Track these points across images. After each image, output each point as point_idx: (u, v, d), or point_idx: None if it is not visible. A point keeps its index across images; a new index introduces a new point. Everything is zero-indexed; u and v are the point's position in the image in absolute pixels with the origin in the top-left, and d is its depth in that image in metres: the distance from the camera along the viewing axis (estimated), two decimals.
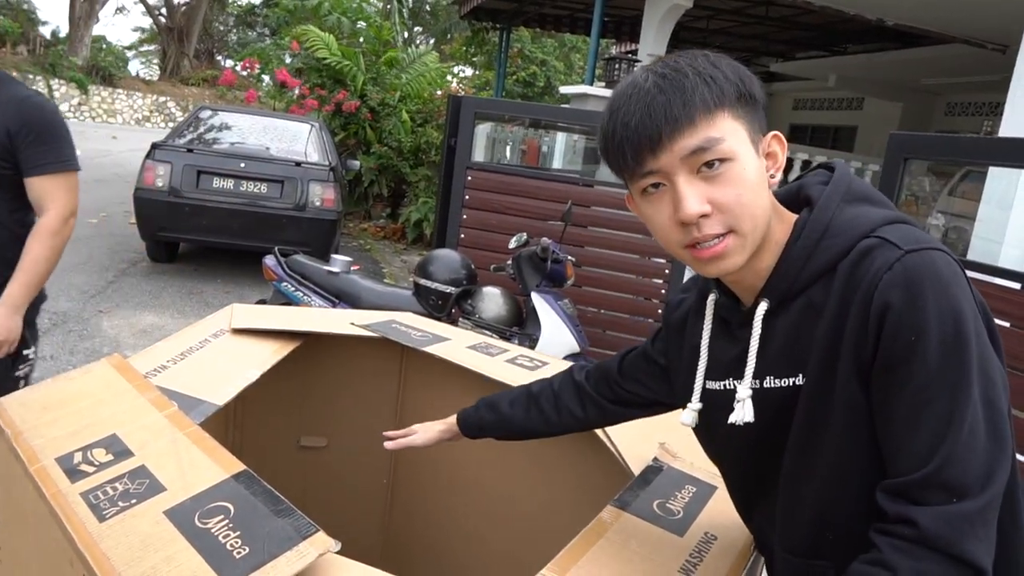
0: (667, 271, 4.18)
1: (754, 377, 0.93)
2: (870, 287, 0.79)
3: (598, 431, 1.53)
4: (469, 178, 4.35)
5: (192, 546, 0.95)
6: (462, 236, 4.33)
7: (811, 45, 9.88)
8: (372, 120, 8.88)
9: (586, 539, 1.11)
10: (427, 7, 16.47)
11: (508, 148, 7.81)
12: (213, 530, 0.98)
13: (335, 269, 3.28)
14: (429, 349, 1.97)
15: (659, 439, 1.48)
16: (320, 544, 0.95)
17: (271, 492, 1.05)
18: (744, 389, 0.92)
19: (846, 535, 0.90)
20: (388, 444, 1.46)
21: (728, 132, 0.82)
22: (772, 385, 0.92)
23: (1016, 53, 6.40)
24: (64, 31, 27.79)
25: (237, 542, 0.95)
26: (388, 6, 11.40)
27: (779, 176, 0.88)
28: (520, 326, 3.12)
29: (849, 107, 11.75)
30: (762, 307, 0.90)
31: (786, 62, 10.89)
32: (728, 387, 0.98)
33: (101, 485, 1.07)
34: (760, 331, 0.91)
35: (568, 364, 1.51)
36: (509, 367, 1.91)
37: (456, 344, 2.04)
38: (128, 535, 0.97)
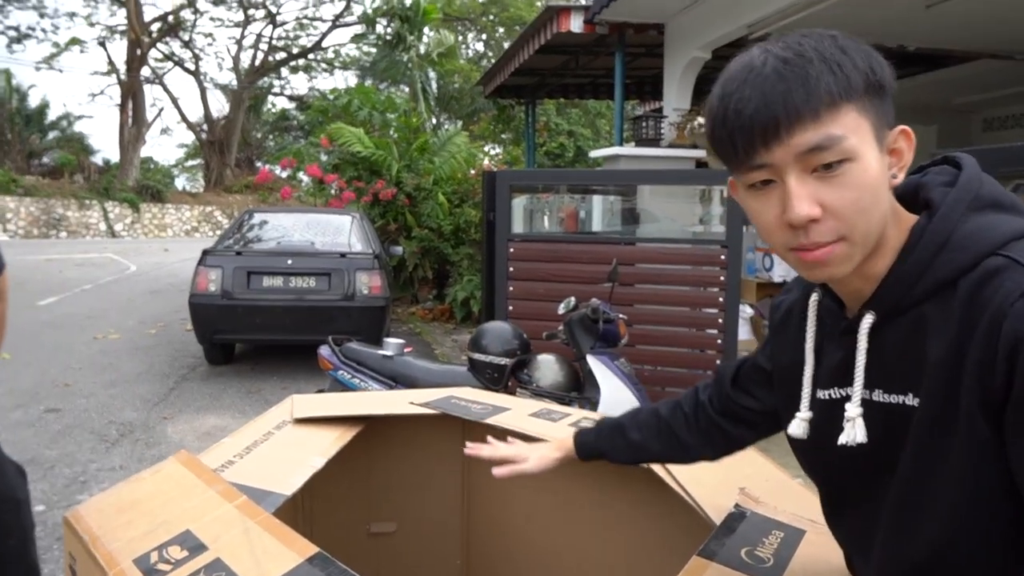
0: (720, 320, 4.12)
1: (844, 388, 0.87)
2: (998, 315, 0.70)
3: (671, 482, 1.48)
4: (511, 250, 4.39)
5: None
6: (511, 308, 4.35)
7: None
8: (410, 205, 9.10)
9: None
10: (453, 92, 17.05)
11: (546, 217, 7.91)
12: None
13: (389, 352, 3.30)
14: (490, 420, 1.95)
15: (737, 486, 1.42)
16: None
17: (347, 571, 1.03)
18: (854, 407, 0.84)
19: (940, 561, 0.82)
20: (496, 471, 1.37)
21: (852, 129, 0.73)
22: (881, 400, 0.84)
23: None
24: (115, 157, 29.39)
25: None
26: (415, 95, 11.82)
27: (902, 176, 0.79)
28: (579, 390, 3.08)
29: None
30: (867, 320, 0.83)
31: None
32: (835, 396, 0.90)
33: None
34: (866, 345, 0.83)
35: None
36: (574, 430, 1.88)
37: (517, 413, 2.02)
38: None
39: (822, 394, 0.92)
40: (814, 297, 0.92)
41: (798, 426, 0.95)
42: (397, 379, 3.16)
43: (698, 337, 4.17)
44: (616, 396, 2.91)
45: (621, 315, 3.19)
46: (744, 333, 5.26)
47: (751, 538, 1.25)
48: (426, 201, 9.03)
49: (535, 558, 2.06)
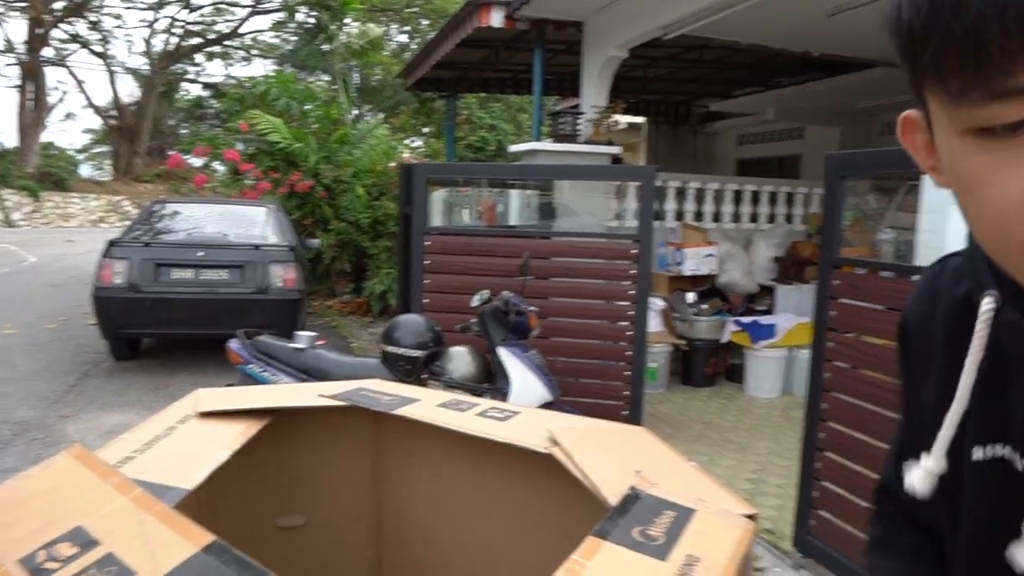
0: (631, 312, 4.22)
1: None
2: None
3: (572, 467, 1.53)
4: (427, 243, 4.40)
5: None
6: (426, 301, 4.36)
7: (747, 82, 10.23)
8: (328, 198, 8.96)
9: (570, 571, 1.10)
10: (375, 83, 16.84)
11: (465, 211, 7.93)
12: None
13: (301, 345, 3.26)
14: (399, 411, 1.96)
15: (634, 469, 1.48)
16: None
17: (244, 560, 1.03)
18: None
19: None
20: None
21: None
22: None
23: None
24: (12, 141, 27.80)
25: None
26: (335, 86, 11.61)
27: None
28: (490, 382, 3.12)
29: (791, 137, 12.13)
30: None
31: (725, 100, 11.24)
32: (1002, 456, 0.58)
33: None
34: None
35: (541, 411, 1.51)
36: (481, 420, 1.90)
37: (426, 404, 2.03)
38: None
39: (981, 453, 0.59)
40: (988, 304, 0.56)
41: (921, 479, 0.61)
42: (309, 372, 3.13)
43: (610, 329, 4.27)
44: (526, 386, 2.97)
45: (532, 307, 3.24)
46: (655, 325, 5.41)
47: (644, 518, 1.30)
48: (345, 193, 8.91)
49: (445, 546, 2.09)
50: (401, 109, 16.76)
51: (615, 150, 6.04)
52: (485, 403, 2.12)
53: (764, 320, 5.81)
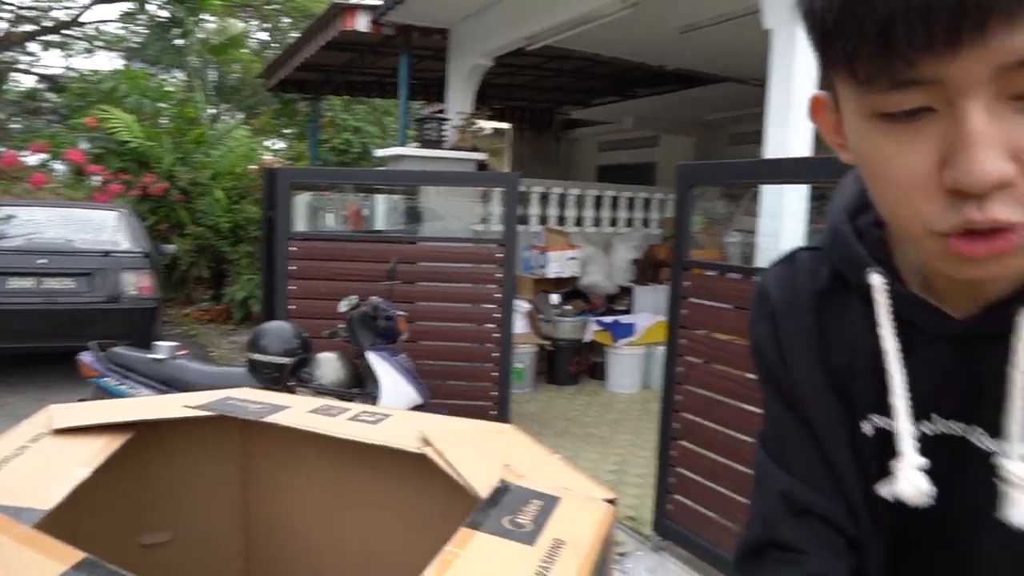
0: (498, 315, 4.34)
1: (969, 423, 0.59)
2: None
3: (442, 463, 1.60)
4: (292, 248, 4.33)
5: None
6: (292, 307, 4.29)
7: (606, 92, 10.65)
8: (184, 201, 8.56)
9: (444, 561, 1.17)
10: (232, 83, 16.17)
11: (330, 216, 7.82)
12: None
13: (160, 356, 3.14)
14: (269, 419, 1.95)
15: (503, 463, 1.57)
16: None
17: (119, 574, 1.02)
18: (1019, 465, 0.54)
19: None
20: None
21: None
22: (985, 448, 0.58)
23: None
24: None
25: None
26: (191, 84, 11.08)
27: None
28: (360, 387, 3.13)
29: (647, 145, 12.72)
30: None
31: (586, 109, 11.66)
32: (949, 432, 0.60)
33: None
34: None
35: (412, 413, 1.56)
36: (353, 424, 1.92)
37: (296, 411, 2.03)
38: None
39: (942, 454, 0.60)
40: (881, 283, 0.59)
41: (908, 484, 0.58)
42: (170, 383, 3.02)
43: (477, 332, 4.37)
44: (396, 390, 3.00)
45: (401, 312, 3.28)
46: (520, 327, 5.57)
47: (513, 507, 1.38)
48: (202, 197, 8.55)
49: (319, 551, 2.09)
50: (262, 110, 16.21)
51: (480, 156, 6.16)
52: (356, 407, 2.14)
53: (624, 319, 6.11)
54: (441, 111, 6.81)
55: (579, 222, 7.34)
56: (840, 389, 0.65)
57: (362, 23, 5.89)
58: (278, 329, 3.14)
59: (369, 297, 3.13)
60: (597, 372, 6.30)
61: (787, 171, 2.92)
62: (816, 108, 0.59)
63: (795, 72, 3.78)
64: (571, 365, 6.20)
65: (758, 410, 0.92)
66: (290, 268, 4.33)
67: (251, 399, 2.12)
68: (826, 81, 0.55)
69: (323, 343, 3.41)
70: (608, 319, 6.09)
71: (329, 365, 3.08)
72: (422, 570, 1.28)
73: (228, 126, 10.22)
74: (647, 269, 7.06)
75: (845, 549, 0.65)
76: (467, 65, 6.38)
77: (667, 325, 3.18)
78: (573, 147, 13.98)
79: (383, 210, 6.71)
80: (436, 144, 5.92)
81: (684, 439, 3.08)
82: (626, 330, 5.94)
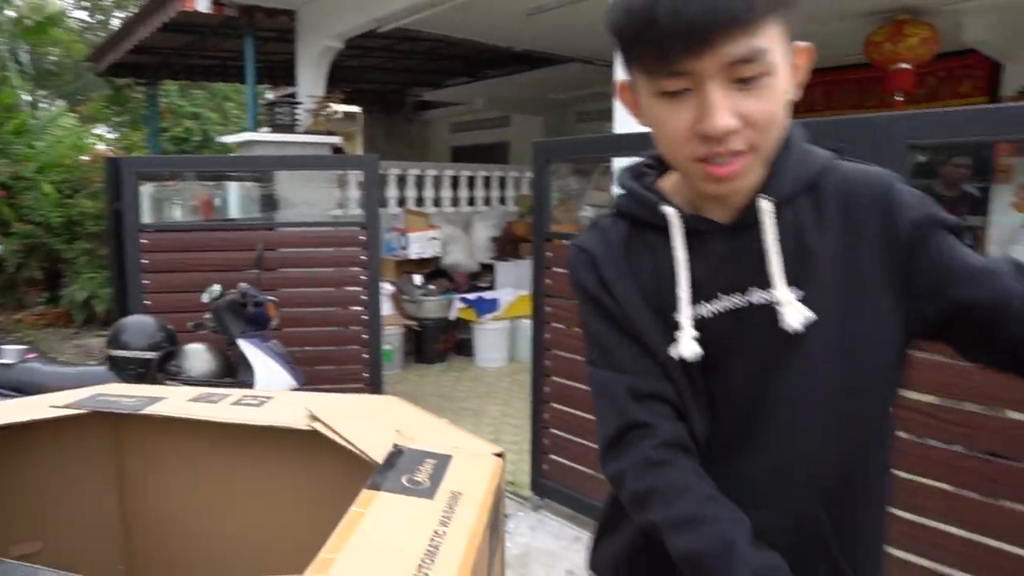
0: (364, 297, 4.36)
1: (746, 290, 0.85)
2: (883, 203, 0.82)
3: (338, 439, 1.65)
4: (144, 241, 4.15)
5: None
6: (147, 303, 4.12)
7: (458, 73, 10.71)
8: (7, 197, 7.86)
9: (351, 521, 1.23)
10: (49, 66, 14.83)
11: (176, 206, 7.44)
12: None
13: (8, 360, 2.94)
14: (148, 411, 1.92)
15: (394, 429, 1.64)
16: None
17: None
18: (784, 292, 0.81)
19: (849, 481, 0.86)
20: None
21: (774, 42, 0.74)
22: (762, 300, 0.84)
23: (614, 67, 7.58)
24: None
25: None
26: (5, 67, 10.10)
27: (794, 95, 0.81)
28: (232, 376, 3.08)
29: (500, 125, 12.94)
30: (767, 204, 0.83)
31: (439, 90, 11.68)
32: (706, 315, 0.86)
33: None
34: (775, 229, 0.82)
35: (294, 393, 1.59)
36: (236, 408, 1.92)
37: (175, 401, 2.00)
38: None
39: (707, 310, 0.87)
40: (671, 212, 0.87)
41: (688, 345, 0.85)
42: (22, 389, 2.84)
43: (345, 315, 4.37)
44: (271, 377, 2.98)
45: (271, 297, 3.24)
46: (386, 309, 5.60)
47: (409, 468, 1.46)
48: (28, 192, 7.87)
49: (207, 542, 2.07)
50: (88, 96, 15.01)
51: (335, 140, 6.08)
52: (237, 393, 2.13)
53: (488, 296, 6.26)
54: (291, 95, 6.63)
55: (437, 203, 7.41)
56: (653, 298, 0.89)
57: (202, 3, 5.63)
58: (140, 323, 3.02)
59: (238, 284, 3.06)
60: (464, 348, 6.43)
61: (635, 145, 3.11)
62: (622, 91, 0.87)
63: None
64: (438, 343, 6.30)
65: None
66: (143, 262, 4.14)
67: (124, 393, 2.06)
68: (626, 69, 0.82)
69: (189, 335, 3.31)
70: (472, 296, 6.22)
71: (198, 356, 3.00)
72: (322, 544, 1.34)
73: (51, 114, 9.43)
74: (506, 245, 7.25)
75: (679, 418, 0.88)
76: (317, 48, 6.26)
77: (532, 294, 3.34)
78: (426, 129, 13.97)
79: (236, 199, 6.48)
80: (289, 129, 5.78)
81: (555, 401, 3.26)
82: (490, 306, 6.10)
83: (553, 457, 3.28)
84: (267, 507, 2.02)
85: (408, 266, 6.58)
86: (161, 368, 2.95)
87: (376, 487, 1.38)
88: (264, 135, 5.62)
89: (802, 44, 0.81)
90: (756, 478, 0.87)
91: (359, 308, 4.36)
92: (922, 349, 1.99)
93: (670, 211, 0.87)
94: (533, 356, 3.35)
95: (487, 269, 7.07)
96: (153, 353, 2.92)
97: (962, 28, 6.26)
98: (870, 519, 0.91)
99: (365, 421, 1.83)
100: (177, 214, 7.20)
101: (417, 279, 6.35)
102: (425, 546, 1.20)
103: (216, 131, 20.58)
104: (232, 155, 5.73)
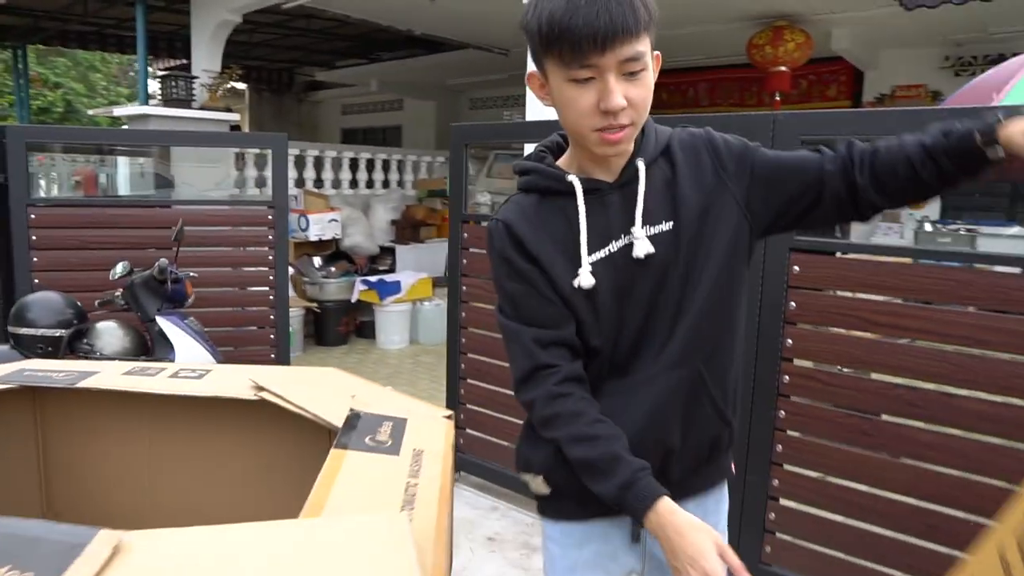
0: (272, 277, 4.33)
1: (628, 232, 1.16)
2: (708, 145, 1.20)
3: (290, 407, 1.71)
4: (32, 216, 3.95)
5: None
6: (36, 281, 3.93)
7: (351, 54, 10.58)
8: None
9: (329, 474, 1.32)
10: None
11: (52, 183, 7.00)
12: None
13: None
14: (83, 384, 1.90)
15: (348, 396, 1.72)
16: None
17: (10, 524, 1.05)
18: (639, 230, 1.14)
19: (712, 345, 1.21)
20: None
21: (647, 47, 1.05)
22: (652, 233, 1.15)
23: (520, 56, 7.78)
24: None
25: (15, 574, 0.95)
26: None
27: None
28: (148, 354, 3.02)
29: (392, 108, 12.84)
30: (642, 164, 1.16)
31: (331, 71, 11.47)
32: (613, 250, 1.16)
33: None
34: (645, 182, 1.15)
35: (232, 366, 1.62)
36: (177, 381, 1.93)
37: (110, 374, 1.98)
38: None
39: (602, 253, 1.16)
40: (574, 180, 1.17)
41: (585, 276, 1.14)
42: None
43: (251, 295, 4.32)
44: (191, 354, 2.95)
45: (192, 273, 3.19)
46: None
47: (370, 429, 1.55)
48: None
49: (141, 519, 2.07)
50: None
51: (234, 117, 5.93)
52: (172, 366, 2.13)
53: (389, 278, 6.29)
54: (181, 67, 6.37)
55: (336, 184, 7.35)
56: (568, 245, 1.17)
57: None
58: (46, 300, 2.91)
59: (158, 260, 2.99)
60: (365, 331, 6.44)
61: (544, 131, 3.26)
62: (531, 79, 1.15)
63: None
64: (340, 326, 6.28)
65: None
66: (32, 238, 3.95)
67: (51, 368, 2.03)
68: (536, 62, 1.10)
69: (95, 314, 3.20)
70: (373, 278, 6.24)
71: (111, 334, 2.92)
72: (278, 512, 1.41)
73: None
74: (405, 229, 7.29)
75: (577, 356, 1.19)
76: (214, 21, 6.05)
77: (447, 275, 3.44)
78: (316, 109, 13.69)
79: (126, 174, 6.19)
80: (184, 103, 5.58)
81: (470, 377, 3.38)
82: (393, 288, 6.13)
83: (468, 431, 3.41)
84: (218, 479, 2.04)
85: (307, 248, 6.51)
86: (71, 347, 2.86)
87: (343, 446, 1.47)
88: (160, 109, 5.40)
89: (656, 52, 1.12)
90: (660, 356, 1.19)
91: (265, 288, 4.32)
92: (811, 323, 2.29)
93: (573, 178, 1.17)
94: (448, 334, 3.46)
95: (387, 252, 7.09)
96: (63, 331, 2.82)
97: (831, 37, 6.81)
98: (729, 371, 1.25)
99: (313, 390, 1.89)
100: (55, 191, 6.79)
101: (316, 261, 6.30)
102: (402, 494, 1.32)
103: (81, 103, 19.28)
104: (127, 128, 5.48)
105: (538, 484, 1.34)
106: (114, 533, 1.01)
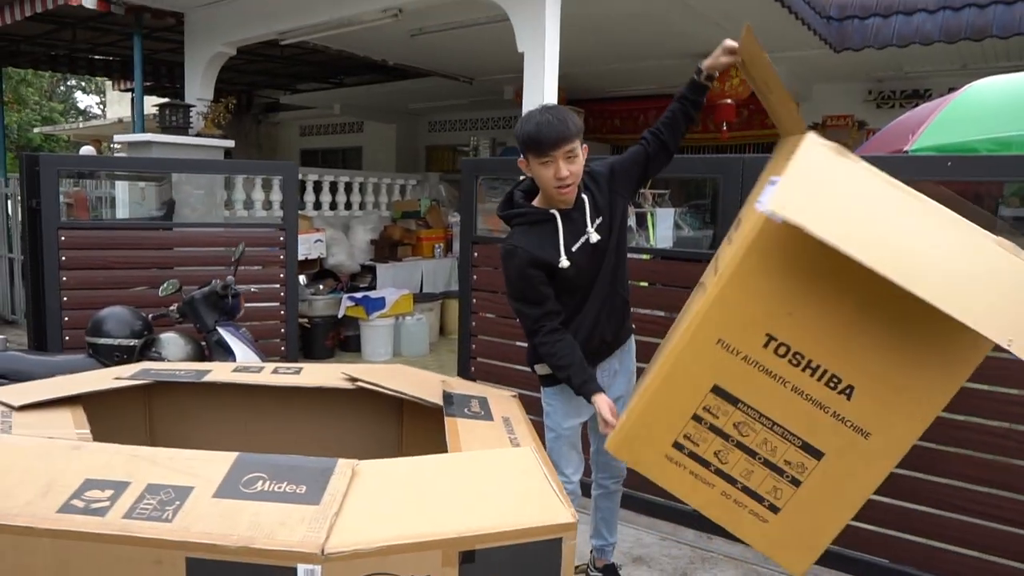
0: (283, 293, 4.74)
1: (584, 234, 2.24)
2: (605, 173, 2.32)
3: (388, 392, 2.18)
4: (63, 238, 4.29)
5: (267, 503, 1.25)
6: (65, 299, 4.28)
7: (313, 78, 10.88)
8: None
9: (452, 434, 1.79)
10: None
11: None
12: (266, 489, 1.37)
13: None
14: (207, 380, 2.33)
15: (439, 380, 2.21)
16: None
17: (272, 457, 1.47)
18: (591, 230, 2.23)
19: (621, 276, 2.39)
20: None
21: (578, 144, 2.12)
22: (595, 226, 2.24)
23: (483, 83, 8.30)
24: None
25: (292, 487, 1.37)
26: None
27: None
28: (207, 361, 3.42)
29: (352, 130, 13.19)
30: (585, 196, 2.24)
31: (293, 94, 11.77)
32: (581, 244, 2.22)
33: (135, 505, 1.20)
34: (589, 207, 2.24)
35: (315, 364, 2.07)
36: (280, 376, 2.36)
37: (221, 372, 2.41)
38: (201, 519, 1.17)
39: (575, 246, 2.22)
40: (554, 212, 2.22)
41: (564, 263, 2.19)
42: (7, 376, 3.03)
43: (264, 311, 4.72)
44: (247, 360, 3.36)
45: (253, 287, 3.60)
46: None
47: (465, 404, 2.03)
48: None
49: None
50: None
51: (229, 143, 6.29)
52: (270, 364, 2.56)
53: (374, 295, 6.71)
54: (176, 95, 6.66)
55: (317, 206, 7.73)
56: (553, 249, 2.21)
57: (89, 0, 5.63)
58: (120, 314, 3.27)
59: (227, 277, 3.39)
60: (350, 344, 6.83)
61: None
62: (521, 161, 2.23)
63: (545, 82, 4.76)
64: (327, 340, 6.66)
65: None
66: (61, 259, 4.29)
67: (171, 368, 2.46)
68: (522, 152, 2.18)
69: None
70: (359, 295, 6.65)
71: (174, 343, 3.30)
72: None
73: None
74: (384, 248, 7.71)
75: (557, 315, 2.27)
76: (208, 52, 6.40)
77: (460, 288, 3.93)
78: (275, 130, 13.91)
79: (125, 198, 6.45)
80: (181, 131, 5.92)
81: (479, 380, 3.86)
82: (378, 304, 6.55)
83: None
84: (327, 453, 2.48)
85: (306, 266, 6.88)
86: (142, 355, 3.24)
87: (452, 415, 1.96)
88: (160, 136, 5.73)
89: (584, 144, 2.18)
90: (598, 290, 2.31)
91: (276, 304, 4.73)
92: None
93: (554, 211, 2.21)
94: (460, 340, 3.94)
95: (367, 270, 7.50)
96: (136, 340, 3.19)
97: None
98: (625, 283, 2.43)
99: (398, 379, 2.37)
100: None
101: (303, 279, 6.68)
102: (508, 443, 1.80)
103: (13, 119, 19.03)
104: (142, 156, 5.79)
105: (543, 368, 2.38)
106: (349, 461, 1.48)
